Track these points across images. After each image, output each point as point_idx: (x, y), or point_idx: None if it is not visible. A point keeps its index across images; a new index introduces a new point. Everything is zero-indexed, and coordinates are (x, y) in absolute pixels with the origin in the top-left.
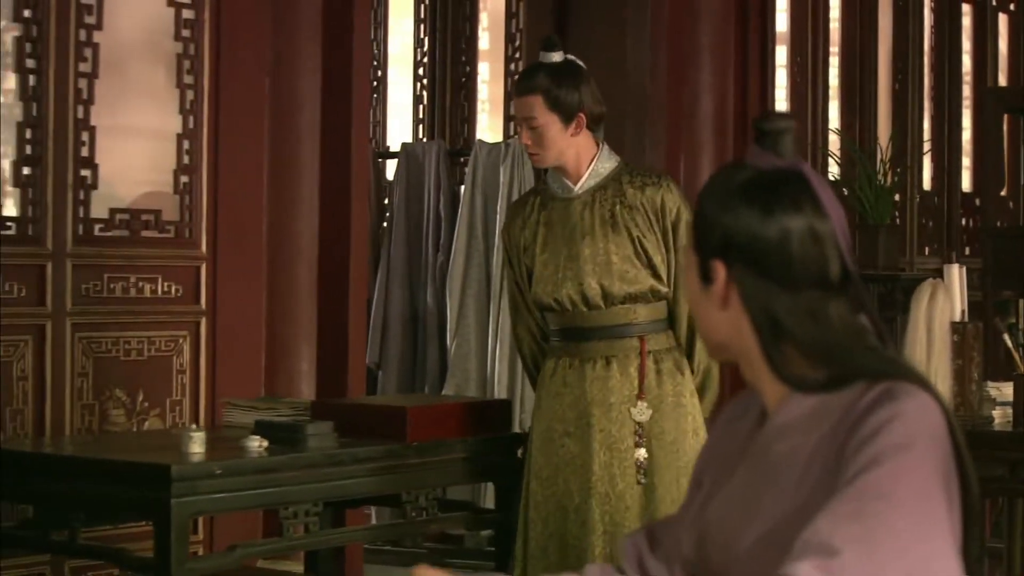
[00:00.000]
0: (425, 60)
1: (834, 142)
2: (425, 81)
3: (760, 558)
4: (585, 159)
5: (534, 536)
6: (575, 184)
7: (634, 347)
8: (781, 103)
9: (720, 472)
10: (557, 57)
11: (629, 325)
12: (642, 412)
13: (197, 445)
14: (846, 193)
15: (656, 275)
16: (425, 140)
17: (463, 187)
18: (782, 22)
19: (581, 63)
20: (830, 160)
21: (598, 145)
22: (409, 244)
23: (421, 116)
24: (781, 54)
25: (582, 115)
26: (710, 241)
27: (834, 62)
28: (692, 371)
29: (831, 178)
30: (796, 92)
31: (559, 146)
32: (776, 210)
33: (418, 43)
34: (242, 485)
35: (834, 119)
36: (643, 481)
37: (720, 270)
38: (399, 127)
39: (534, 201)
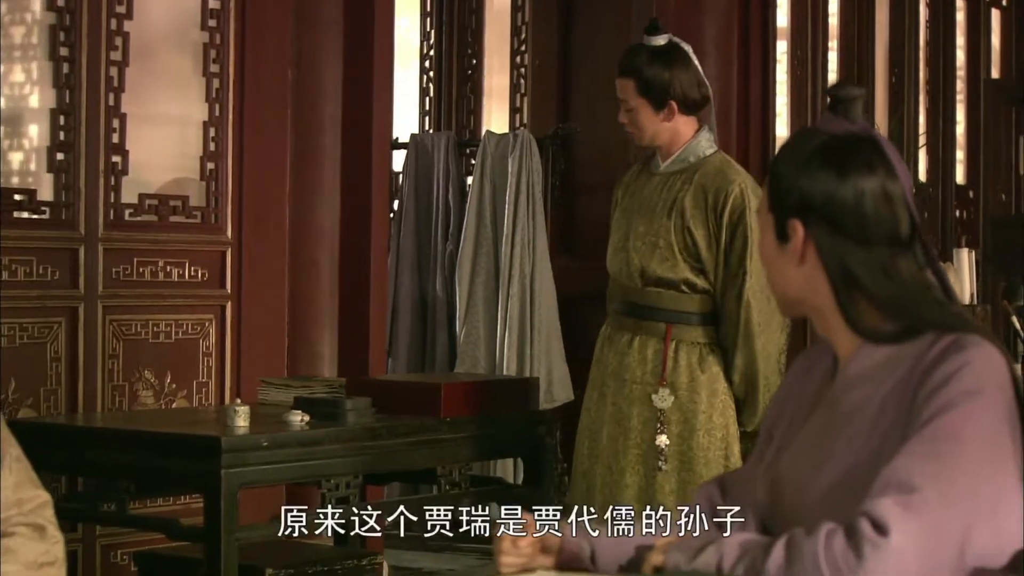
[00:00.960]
0: (431, 53)
1: None
2: (432, 73)
3: (833, 502)
4: (679, 142)
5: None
6: (663, 162)
7: (659, 331)
8: (781, 96)
9: (792, 422)
10: (660, 41)
11: (657, 309)
12: (664, 399)
13: (242, 419)
14: None
15: (698, 268)
16: (432, 131)
17: (471, 177)
18: (783, 17)
19: (686, 46)
20: None
21: (699, 129)
22: (418, 233)
23: (428, 108)
24: (782, 48)
25: (673, 102)
26: (787, 202)
27: (832, 56)
28: (731, 378)
29: None
30: (796, 85)
31: (651, 129)
32: (851, 172)
33: (424, 36)
34: (287, 457)
35: None
36: (664, 468)
37: (798, 229)
38: (403, 119)
39: (638, 169)
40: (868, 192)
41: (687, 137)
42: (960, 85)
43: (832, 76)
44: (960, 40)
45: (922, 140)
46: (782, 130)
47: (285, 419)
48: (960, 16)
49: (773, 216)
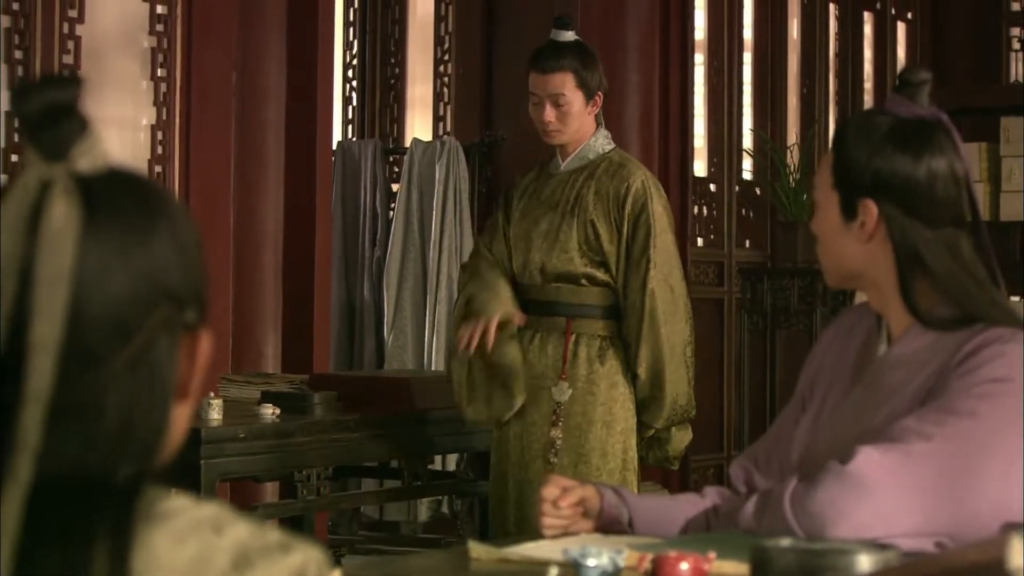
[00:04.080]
0: (354, 62)
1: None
2: (355, 82)
3: None
4: (581, 139)
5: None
6: (563, 162)
7: (559, 326)
8: (699, 104)
9: (830, 389)
10: (573, 36)
11: (557, 303)
12: (562, 392)
13: (216, 412)
14: (759, 193)
15: (598, 262)
16: (356, 139)
17: (399, 184)
18: (700, 30)
19: None
20: (745, 158)
21: (598, 127)
22: (346, 238)
23: (351, 116)
24: (699, 59)
25: (600, 94)
26: (859, 181)
27: (747, 68)
28: (635, 371)
29: (746, 176)
30: (712, 93)
31: (578, 123)
32: (925, 154)
33: (347, 45)
34: (262, 449)
35: (747, 121)
36: (553, 461)
37: (871, 208)
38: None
39: (536, 171)
40: (940, 174)
41: (589, 134)
42: (867, 97)
43: (747, 86)
44: (868, 53)
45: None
46: (700, 139)
47: (256, 412)
48: (868, 29)
49: (839, 194)
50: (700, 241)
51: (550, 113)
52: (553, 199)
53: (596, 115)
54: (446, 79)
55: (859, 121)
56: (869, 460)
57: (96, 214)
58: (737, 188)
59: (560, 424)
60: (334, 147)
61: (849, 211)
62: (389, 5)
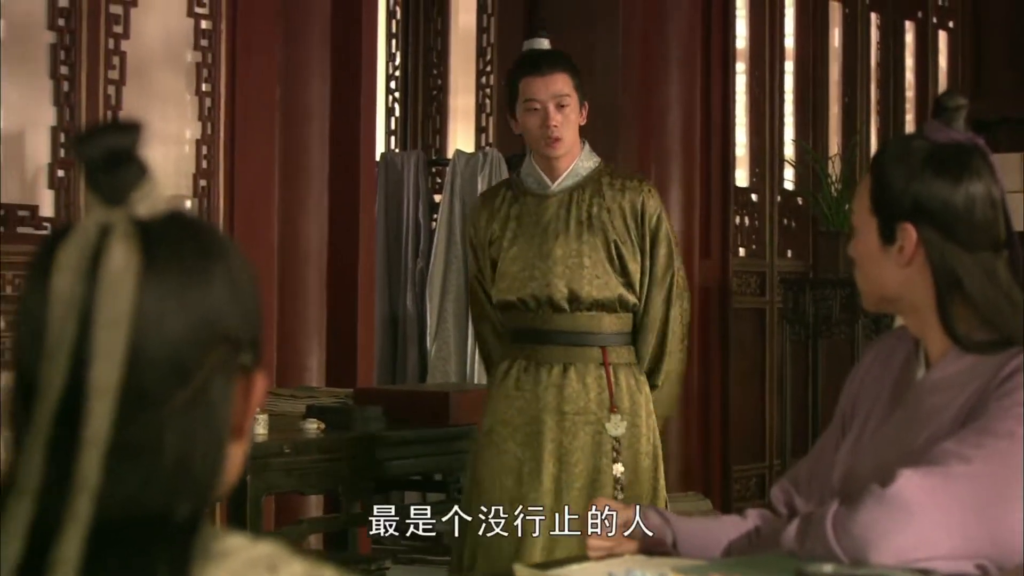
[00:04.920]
0: (397, 74)
1: (790, 155)
2: (397, 94)
3: None
4: (574, 154)
5: (468, 542)
6: (553, 181)
7: (595, 357)
8: (740, 114)
9: (870, 414)
10: (548, 44)
11: (592, 334)
12: (617, 426)
13: (261, 427)
14: (801, 203)
15: (628, 284)
16: (398, 150)
17: (441, 195)
18: (741, 40)
19: None
20: (786, 168)
21: (582, 145)
22: (388, 250)
23: (393, 127)
24: (740, 68)
25: (586, 104)
26: (897, 206)
27: (789, 78)
28: (655, 383)
29: (788, 186)
30: (754, 103)
31: (575, 131)
32: (963, 179)
33: (390, 57)
34: (307, 463)
35: (789, 131)
36: (620, 497)
37: (911, 232)
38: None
39: (505, 194)
40: (978, 198)
41: (579, 148)
42: (909, 106)
43: (788, 95)
44: (909, 62)
45: None
46: (741, 149)
47: (301, 427)
48: (909, 38)
49: (877, 219)
50: (742, 251)
51: (556, 116)
52: (557, 221)
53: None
54: (488, 90)
55: (897, 146)
56: (910, 483)
57: (154, 258)
58: (779, 198)
59: (620, 460)
60: (377, 159)
61: (888, 235)
62: (431, 17)
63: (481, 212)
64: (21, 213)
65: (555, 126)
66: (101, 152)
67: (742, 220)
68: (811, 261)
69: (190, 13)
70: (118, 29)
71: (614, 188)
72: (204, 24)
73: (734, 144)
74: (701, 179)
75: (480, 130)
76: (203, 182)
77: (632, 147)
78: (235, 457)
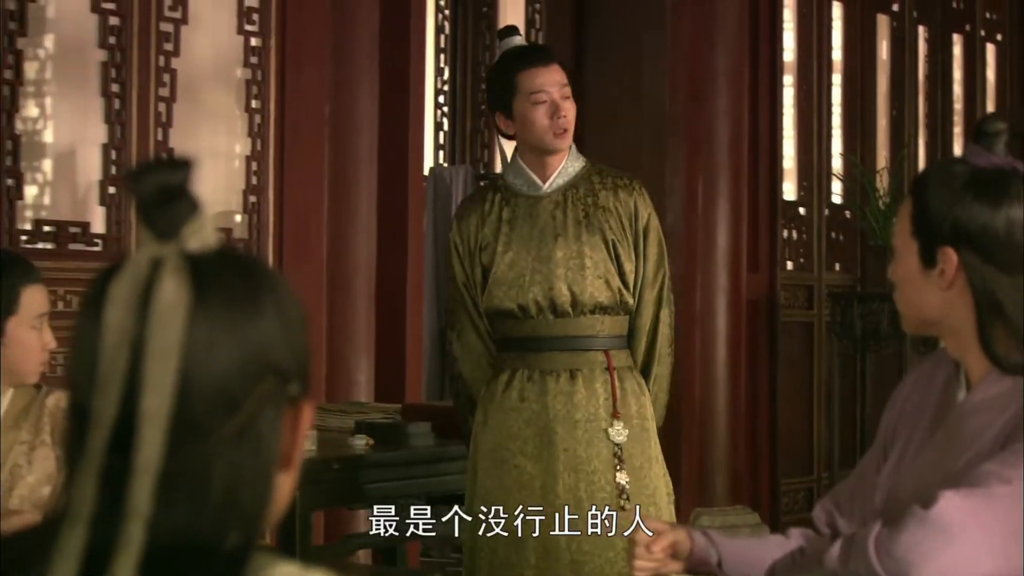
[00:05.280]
0: (445, 88)
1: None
2: (446, 108)
3: None
4: (562, 155)
5: (483, 566)
6: (544, 181)
7: (599, 361)
8: (788, 128)
9: (912, 435)
10: (522, 41)
11: (594, 337)
12: (620, 433)
13: (310, 443)
14: (849, 216)
15: (625, 283)
16: (447, 165)
17: None
18: (789, 52)
19: None
20: (834, 181)
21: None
22: (437, 265)
23: (442, 142)
24: (788, 81)
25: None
26: (938, 230)
27: (836, 91)
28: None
29: (835, 200)
30: (802, 116)
31: (574, 125)
32: (1003, 203)
33: (438, 72)
34: (355, 480)
35: (837, 144)
36: (627, 507)
37: (951, 256)
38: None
39: (493, 197)
40: (1018, 222)
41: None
42: (957, 118)
43: (836, 108)
44: (957, 74)
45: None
46: (789, 161)
47: (350, 443)
48: (957, 51)
49: (918, 242)
50: (789, 264)
51: (568, 107)
52: (554, 222)
53: None
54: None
55: (937, 171)
56: (951, 504)
57: (204, 291)
58: (827, 212)
59: (624, 468)
60: (425, 173)
61: (929, 259)
62: (480, 31)
63: (469, 217)
64: (73, 230)
65: (565, 116)
66: (153, 188)
67: (790, 233)
68: (859, 275)
69: (240, 30)
70: (168, 47)
71: (606, 187)
72: (254, 41)
73: (782, 158)
74: (749, 193)
75: None
76: (253, 198)
77: (680, 161)
78: (284, 486)
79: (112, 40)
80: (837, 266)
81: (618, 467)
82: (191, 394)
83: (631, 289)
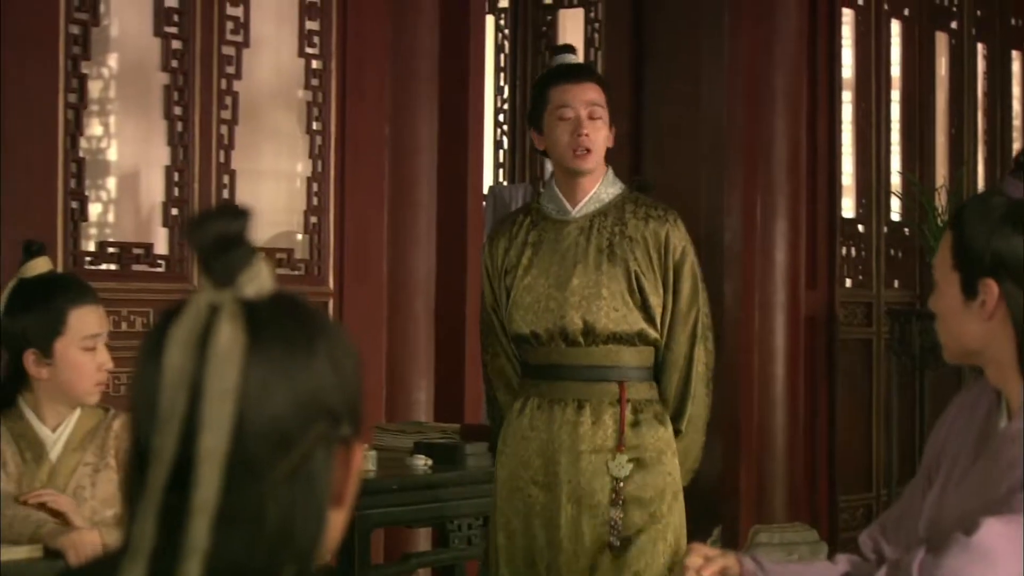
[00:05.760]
0: (505, 107)
1: (896, 185)
2: (506, 127)
3: None
4: (597, 177)
5: None
6: (574, 206)
7: (612, 393)
8: (847, 145)
9: (955, 463)
10: (573, 59)
11: (609, 368)
12: (621, 466)
13: (370, 463)
14: (908, 233)
15: (649, 317)
16: (507, 183)
17: None
18: (847, 69)
19: None
20: (893, 200)
21: (606, 169)
22: None
23: (502, 160)
24: (847, 98)
25: (613, 128)
26: (978, 261)
27: (895, 108)
28: (679, 428)
29: (894, 217)
30: (860, 134)
31: (602, 150)
32: None
33: (498, 90)
34: (415, 499)
35: (895, 161)
36: (615, 544)
37: (993, 287)
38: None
39: (523, 220)
40: None
41: (603, 172)
42: (1016, 135)
43: (895, 125)
44: (1016, 91)
45: (981, 189)
46: (848, 178)
47: (409, 463)
48: (1016, 67)
49: (959, 275)
50: (848, 282)
51: (588, 126)
52: (576, 249)
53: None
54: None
55: (976, 204)
56: (992, 531)
57: (260, 336)
58: (886, 229)
59: (621, 504)
60: (485, 191)
61: (970, 290)
62: (539, 50)
63: (499, 239)
64: (136, 251)
65: (586, 135)
66: (212, 237)
67: (848, 251)
68: (918, 292)
69: (301, 53)
70: (230, 70)
71: (637, 216)
72: (315, 64)
73: (840, 175)
74: (807, 210)
75: None
76: (314, 218)
77: (738, 178)
78: (336, 522)
79: (175, 63)
80: (896, 283)
81: (613, 501)
82: (247, 434)
83: (656, 323)
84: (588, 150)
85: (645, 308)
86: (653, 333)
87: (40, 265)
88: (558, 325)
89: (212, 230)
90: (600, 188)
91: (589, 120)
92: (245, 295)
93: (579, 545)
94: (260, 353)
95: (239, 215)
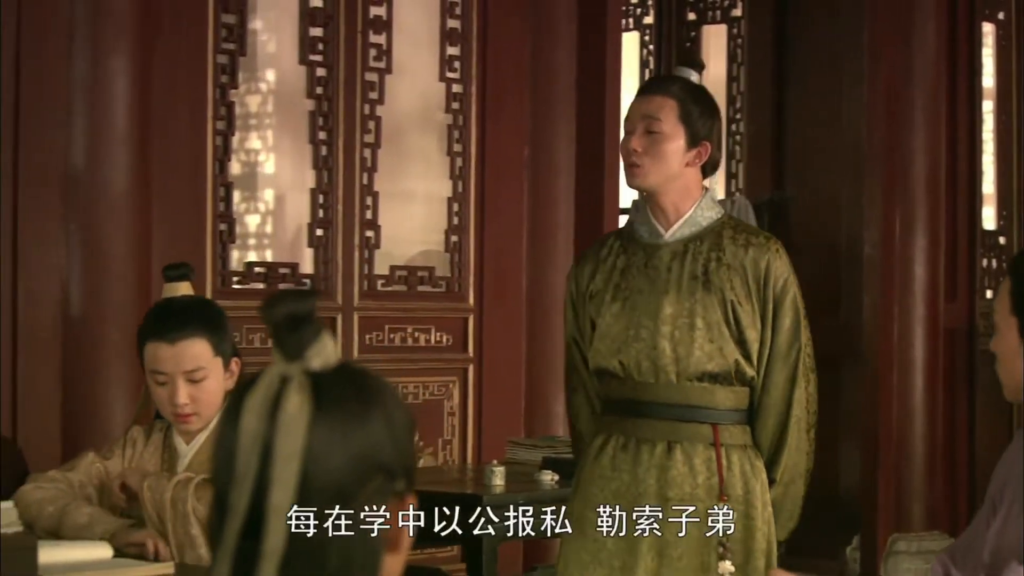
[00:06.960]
0: None
1: None
2: None
3: None
4: (687, 201)
5: None
6: (667, 229)
7: (704, 436)
8: (988, 156)
9: (1017, 490)
10: (696, 78)
11: (702, 409)
12: (726, 518)
13: (499, 478)
14: None
15: (745, 353)
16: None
17: None
18: (988, 78)
19: None
20: None
21: (703, 191)
22: None
23: None
24: (987, 107)
25: (708, 144)
26: None
27: None
28: (773, 478)
29: None
30: (1001, 147)
31: (671, 167)
32: None
33: None
34: (540, 515)
35: None
36: None
37: None
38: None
39: (613, 243)
40: None
41: (696, 195)
42: None
43: None
44: None
45: None
46: (989, 187)
47: (536, 478)
48: None
49: (1018, 319)
50: (988, 293)
51: (636, 141)
52: (671, 275)
53: (707, 177)
54: (738, 137)
55: None
56: None
57: (323, 404)
58: None
59: (730, 558)
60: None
61: None
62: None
63: (585, 264)
64: (283, 271)
65: (634, 149)
66: (283, 315)
67: (989, 262)
68: None
69: (442, 78)
70: (373, 95)
71: (736, 243)
72: (455, 88)
73: (981, 186)
74: (947, 222)
75: (730, 176)
76: (455, 238)
77: (877, 190)
78: (392, 566)
79: (320, 91)
80: None
81: (723, 555)
82: (311, 490)
83: (753, 359)
84: (635, 165)
85: (741, 342)
86: (749, 370)
87: (179, 288)
88: (649, 357)
89: (284, 309)
90: (696, 211)
91: (645, 134)
92: (312, 367)
93: None
94: (323, 419)
95: (308, 296)
